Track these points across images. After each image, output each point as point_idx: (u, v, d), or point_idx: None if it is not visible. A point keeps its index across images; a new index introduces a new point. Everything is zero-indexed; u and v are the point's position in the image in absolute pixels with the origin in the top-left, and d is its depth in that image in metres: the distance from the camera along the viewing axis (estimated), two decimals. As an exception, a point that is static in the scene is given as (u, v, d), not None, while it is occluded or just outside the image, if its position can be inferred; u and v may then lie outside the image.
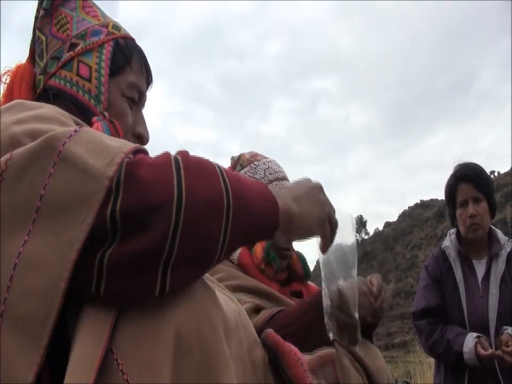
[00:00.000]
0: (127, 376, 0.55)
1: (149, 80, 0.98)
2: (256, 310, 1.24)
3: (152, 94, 1.01)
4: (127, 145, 0.64)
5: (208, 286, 0.67)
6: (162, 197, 0.58)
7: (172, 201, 0.58)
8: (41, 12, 0.93)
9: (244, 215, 0.65)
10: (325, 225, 0.80)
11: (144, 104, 0.98)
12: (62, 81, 0.89)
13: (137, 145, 0.67)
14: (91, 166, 0.59)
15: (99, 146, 0.62)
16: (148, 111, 1.00)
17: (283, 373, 0.76)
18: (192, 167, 0.63)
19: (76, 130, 0.63)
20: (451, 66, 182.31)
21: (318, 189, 0.81)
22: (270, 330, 0.78)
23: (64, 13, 0.93)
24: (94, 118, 0.86)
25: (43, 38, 0.93)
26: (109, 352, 0.56)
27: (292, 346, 0.77)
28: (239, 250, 1.39)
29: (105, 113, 0.87)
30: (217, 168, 0.66)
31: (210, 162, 0.67)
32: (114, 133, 0.85)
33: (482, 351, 2.01)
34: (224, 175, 0.66)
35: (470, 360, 2.05)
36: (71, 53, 0.90)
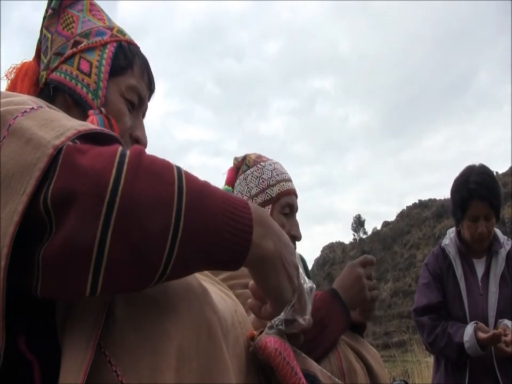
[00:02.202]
0: None
1: (151, 88, 0.98)
2: None
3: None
4: (86, 125, 0.61)
5: (204, 289, 0.66)
6: (83, 186, 0.52)
7: (95, 193, 0.52)
8: (49, 11, 0.95)
9: (200, 223, 0.57)
10: (291, 293, 0.71)
11: (144, 112, 0.97)
12: (62, 75, 0.89)
13: (100, 128, 0.64)
14: (38, 136, 0.56)
15: (53, 124, 0.59)
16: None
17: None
18: (140, 164, 0.56)
19: (33, 108, 0.62)
20: (449, 67, 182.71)
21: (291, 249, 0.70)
22: (261, 343, 0.75)
23: (71, 13, 0.95)
24: (90, 111, 0.86)
25: (49, 35, 0.94)
26: (107, 363, 0.55)
27: (285, 353, 0.75)
28: None
29: (102, 109, 0.87)
30: (175, 170, 0.58)
31: (168, 163, 0.59)
32: (109, 129, 0.84)
33: (481, 334, 2.02)
34: (183, 178, 0.58)
35: (471, 349, 2.05)
36: (74, 49, 0.91)
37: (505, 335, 2.02)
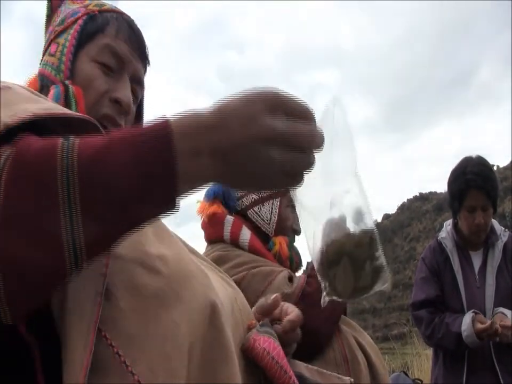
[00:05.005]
0: (138, 376, 0.55)
1: (139, 48, 0.92)
2: (290, 278, 1.36)
3: (153, 85, 0.98)
4: (47, 109, 0.62)
5: (205, 274, 0.67)
6: None
7: None
8: (46, 18, 0.97)
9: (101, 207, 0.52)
10: (283, 181, 0.60)
11: (135, 72, 0.92)
12: (41, 66, 0.91)
13: (62, 112, 0.65)
14: None
15: (14, 107, 0.60)
16: (148, 101, 0.98)
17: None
18: (18, 176, 0.52)
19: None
20: (451, 61, 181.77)
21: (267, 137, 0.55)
22: (248, 343, 0.75)
23: (59, 10, 0.96)
24: (52, 87, 0.85)
25: (46, 37, 0.96)
26: (115, 355, 0.56)
27: (274, 352, 0.74)
28: (248, 237, 1.42)
29: (66, 82, 0.85)
30: (58, 156, 0.52)
31: (51, 149, 0.53)
32: (63, 97, 0.83)
33: (479, 325, 2.03)
34: (68, 161, 0.52)
35: (469, 338, 2.05)
36: (51, 37, 0.92)
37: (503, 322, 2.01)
